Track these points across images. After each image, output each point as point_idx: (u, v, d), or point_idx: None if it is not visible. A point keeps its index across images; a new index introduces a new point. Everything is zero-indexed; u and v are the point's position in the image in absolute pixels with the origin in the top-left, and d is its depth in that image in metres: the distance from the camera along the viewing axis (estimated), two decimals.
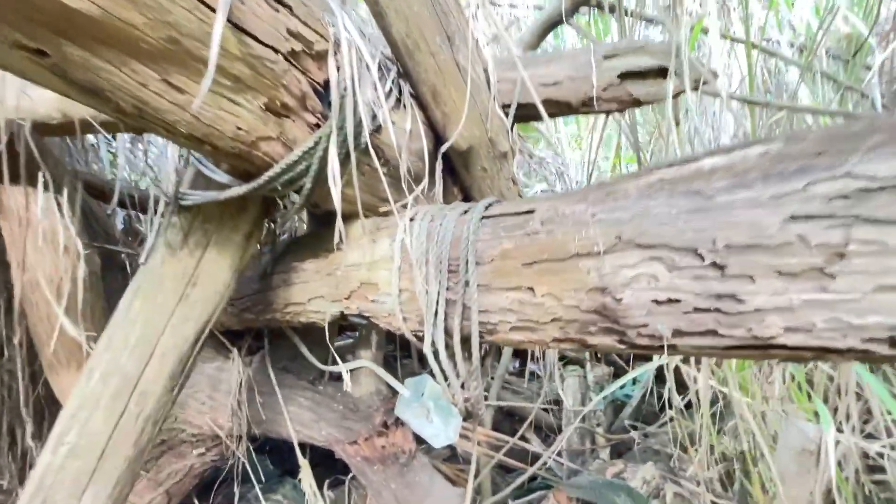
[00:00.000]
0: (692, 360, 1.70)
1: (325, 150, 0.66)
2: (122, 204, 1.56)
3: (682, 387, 2.32)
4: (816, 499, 1.32)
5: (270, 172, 0.66)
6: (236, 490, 1.39)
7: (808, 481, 1.35)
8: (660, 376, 2.98)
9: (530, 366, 3.24)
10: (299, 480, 1.69)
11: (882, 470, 1.57)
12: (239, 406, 1.32)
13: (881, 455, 1.45)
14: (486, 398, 2.16)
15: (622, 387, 3.17)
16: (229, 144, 0.62)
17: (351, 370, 1.32)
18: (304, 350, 1.31)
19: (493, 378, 2.26)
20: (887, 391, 1.23)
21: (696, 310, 0.47)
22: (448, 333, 0.72)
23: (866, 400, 1.52)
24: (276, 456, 2.29)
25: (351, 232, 0.85)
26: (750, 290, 0.45)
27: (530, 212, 0.63)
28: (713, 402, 1.69)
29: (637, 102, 0.94)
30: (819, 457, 1.33)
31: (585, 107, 0.94)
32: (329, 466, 1.99)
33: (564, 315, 0.58)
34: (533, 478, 1.88)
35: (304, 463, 1.25)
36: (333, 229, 0.86)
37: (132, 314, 0.81)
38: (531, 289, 0.61)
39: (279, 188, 0.69)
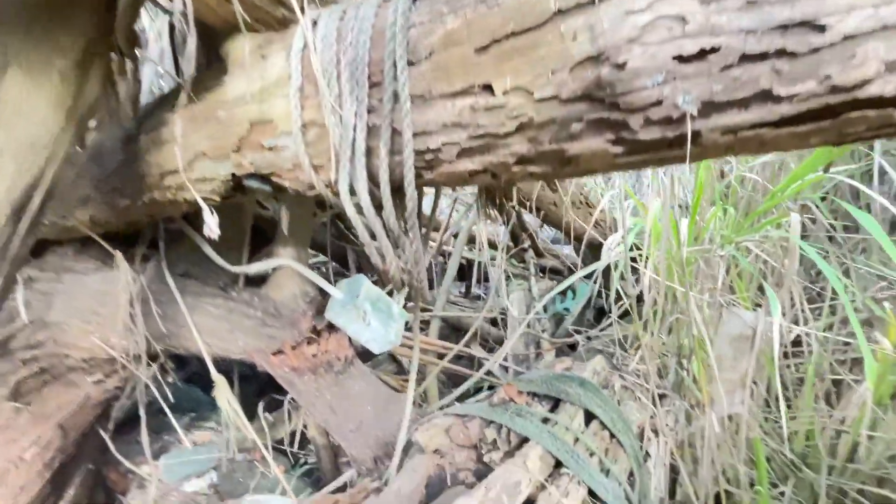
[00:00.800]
0: (640, 257, 1.64)
1: None
2: None
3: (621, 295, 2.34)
4: (748, 380, 1.35)
5: None
6: (141, 414, 1.18)
7: (743, 364, 1.36)
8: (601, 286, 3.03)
9: (475, 290, 3.19)
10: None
11: (797, 355, 1.65)
12: (133, 321, 1.07)
13: (807, 337, 1.50)
14: (430, 310, 2.04)
15: (563, 300, 3.22)
16: None
17: (270, 272, 1.10)
18: (208, 249, 1.06)
19: (437, 294, 2.14)
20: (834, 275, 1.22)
21: (744, 59, 0.30)
22: (373, 178, 0.52)
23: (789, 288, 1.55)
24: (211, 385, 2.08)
25: (232, 51, 0.59)
26: (839, 5, 0.28)
27: None
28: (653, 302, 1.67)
29: None
30: (754, 341, 1.34)
31: None
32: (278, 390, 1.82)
33: (537, 115, 0.39)
34: (479, 388, 1.83)
35: (218, 378, 1.05)
36: (215, 65, 0.60)
37: None
38: (488, 87, 0.41)
39: None
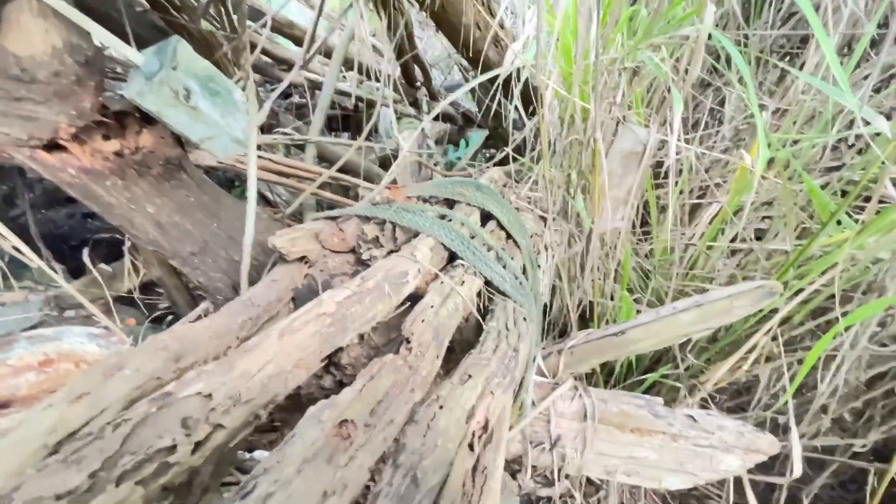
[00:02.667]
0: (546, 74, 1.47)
1: None
2: None
3: (518, 128, 2.23)
4: (632, 197, 1.36)
5: None
6: None
7: (629, 180, 1.36)
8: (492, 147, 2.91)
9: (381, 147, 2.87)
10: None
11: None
12: None
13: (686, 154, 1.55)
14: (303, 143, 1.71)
15: (455, 150, 3.06)
16: None
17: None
18: None
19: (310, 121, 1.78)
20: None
21: None
22: None
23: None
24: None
25: None
26: None
27: None
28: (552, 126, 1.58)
29: None
30: (643, 158, 1.32)
31: None
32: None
33: None
34: None
35: None
36: None
37: None
38: None
39: None
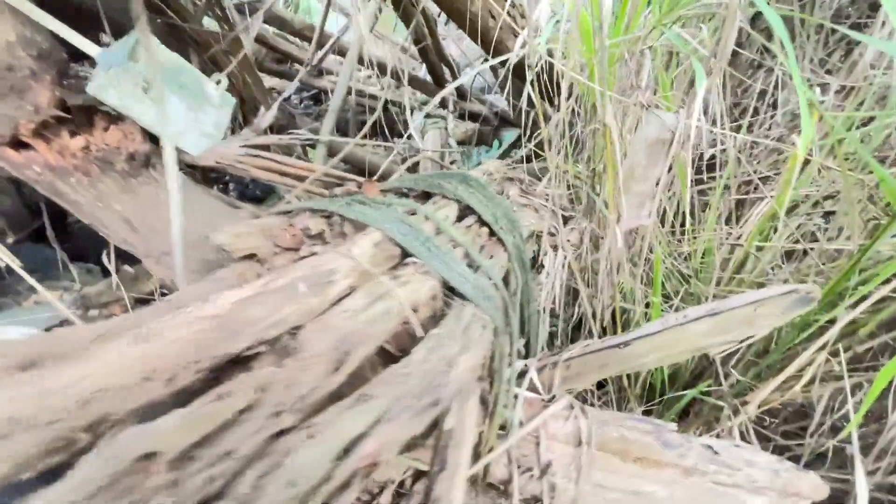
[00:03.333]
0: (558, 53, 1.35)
1: None
2: None
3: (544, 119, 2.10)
4: (659, 191, 1.21)
5: None
6: None
7: (655, 172, 1.21)
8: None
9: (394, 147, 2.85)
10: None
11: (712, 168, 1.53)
12: None
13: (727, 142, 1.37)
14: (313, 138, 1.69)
15: (487, 151, 2.96)
16: None
17: None
18: None
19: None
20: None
21: None
22: None
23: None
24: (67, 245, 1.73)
25: None
26: None
27: None
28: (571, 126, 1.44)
29: None
30: (671, 147, 1.16)
31: None
32: None
33: None
34: None
35: None
36: None
37: None
38: None
39: None
